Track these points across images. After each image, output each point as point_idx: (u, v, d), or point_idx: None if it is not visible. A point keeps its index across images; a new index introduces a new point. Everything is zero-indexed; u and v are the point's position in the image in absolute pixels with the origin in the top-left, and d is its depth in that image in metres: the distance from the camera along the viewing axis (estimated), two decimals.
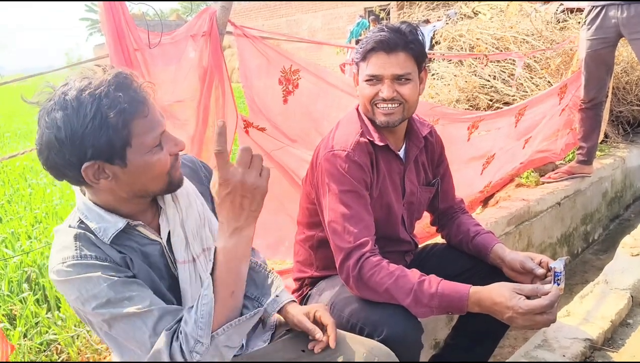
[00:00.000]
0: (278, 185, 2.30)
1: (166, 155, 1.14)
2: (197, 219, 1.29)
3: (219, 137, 0.99)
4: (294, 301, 1.43)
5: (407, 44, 1.60)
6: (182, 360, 1.05)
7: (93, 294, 1.07)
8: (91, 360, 2.14)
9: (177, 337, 1.07)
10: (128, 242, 1.18)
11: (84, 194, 1.19)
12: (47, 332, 2.37)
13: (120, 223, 1.16)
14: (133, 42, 1.63)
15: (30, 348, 2.24)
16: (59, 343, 2.28)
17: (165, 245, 1.23)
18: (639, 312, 2.14)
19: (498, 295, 1.42)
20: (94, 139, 1.04)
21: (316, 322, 1.37)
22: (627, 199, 4.60)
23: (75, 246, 1.11)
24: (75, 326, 2.38)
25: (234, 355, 1.32)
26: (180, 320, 1.09)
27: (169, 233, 1.24)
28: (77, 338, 2.29)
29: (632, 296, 2.15)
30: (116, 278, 1.09)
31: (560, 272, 1.49)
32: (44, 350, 2.25)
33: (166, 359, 1.05)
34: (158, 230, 1.23)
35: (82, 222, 1.16)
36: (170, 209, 1.25)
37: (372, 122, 1.70)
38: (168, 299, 1.20)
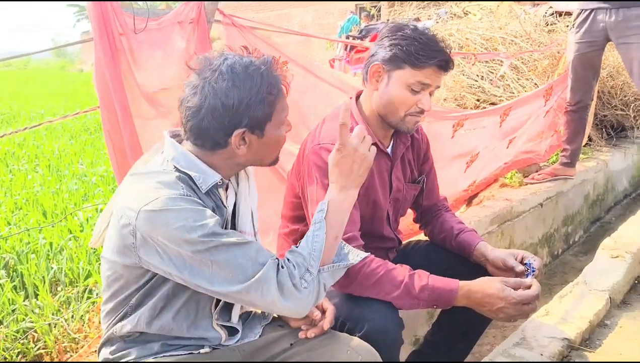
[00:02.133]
0: (262, 178, 2.28)
1: (285, 135, 1.32)
2: (256, 199, 1.45)
3: (345, 112, 1.27)
4: None
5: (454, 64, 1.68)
6: (289, 283, 1.18)
7: (202, 224, 1.15)
8: (70, 360, 2.10)
9: (283, 265, 1.21)
10: (211, 200, 1.28)
11: (180, 143, 1.28)
12: (23, 319, 2.34)
13: (217, 177, 1.27)
14: (118, 26, 1.60)
15: (7, 336, 2.21)
16: (35, 331, 2.25)
17: (230, 214, 1.34)
18: (616, 314, 2.16)
19: (490, 287, 1.49)
20: (253, 110, 1.21)
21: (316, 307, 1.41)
22: (609, 202, 4.66)
23: (182, 186, 1.20)
24: (52, 314, 2.36)
25: (231, 347, 1.36)
26: (277, 262, 1.21)
27: (233, 206, 1.36)
28: (55, 326, 2.26)
29: (610, 297, 2.18)
30: (217, 217, 1.19)
31: (530, 264, 1.66)
32: (20, 338, 2.22)
33: (273, 283, 1.17)
34: (226, 201, 1.35)
35: (177, 169, 1.24)
36: (242, 183, 1.39)
37: (364, 119, 1.70)
38: None
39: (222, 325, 1.36)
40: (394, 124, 1.67)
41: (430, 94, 1.66)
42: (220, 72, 1.19)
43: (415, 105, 1.63)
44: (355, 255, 1.34)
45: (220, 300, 1.34)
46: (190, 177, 1.24)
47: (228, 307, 1.37)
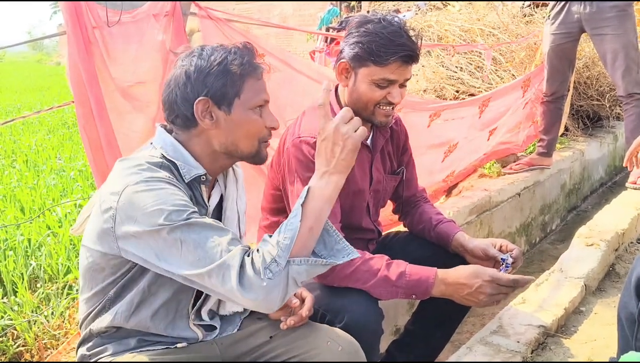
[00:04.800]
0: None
1: (263, 124, 1.29)
2: (245, 204, 1.45)
3: (325, 92, 1.23)
4: None
5: (419, 55, 1.63)
6: (251, 272, 1.09)
7: (181, 204, 1.15)
8: (50, 357, 2.08)
9: (249, 254, 1.13)
10: (189, 192, 1.27)
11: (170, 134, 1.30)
12: (2, 317, 2.31)
13: (201, 170, 1.28)
14: (92, 19, 1.58)
15: None
16: (14, 329, 2.23)
17: (210, 214, 1.33)
18: (591, 300, 2.21)
19: (465, 270, 1.53)
20: (214, 79, 1.23)
21: (295, 296, 1.42)
22: (585, 191, 4.74)
23: (166, 173, 1.22)
24: (32, 311, 2.33)
25: (209, 340, 1.36)
26: (246, 250, 1.15)
27: (216, 207, 1.36)
28: (34, 323, 2.24)
29: (585, 284, 2.22)
30: (195, 209, 1.18)
31: (505, 260, 1.69)
32: None
33: (235, 270, 1.10)
34: (209, 200, 1.35)
35: (164, 157, 1.26)
36: (231, 185, 1.40)
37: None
38: None
39: (200, 325, 1.35)
40: (366, 118, 1.68)
41: (402, 86, 1.64)
42: (193, 50, 1.27)
43: (384, 98, 1.62)
44: (346, 254, 1.21)
45: (197, 301, 1.33)
46: (175, 165, 1.25)
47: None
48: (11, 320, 2.27)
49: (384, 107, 1.64)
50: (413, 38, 1.60)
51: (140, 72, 1.84)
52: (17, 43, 2.20)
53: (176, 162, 1.26)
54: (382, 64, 1.57)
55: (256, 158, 1.33)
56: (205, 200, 1.32)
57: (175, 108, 1.26)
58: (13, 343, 2.17)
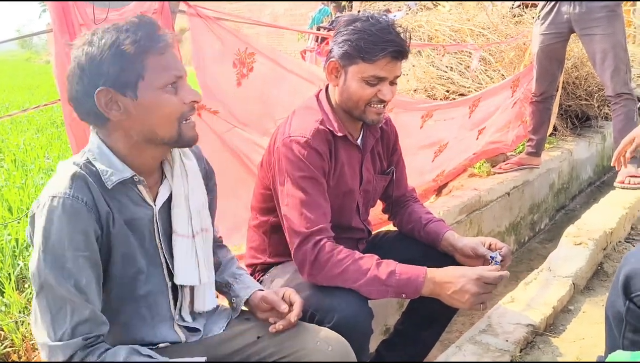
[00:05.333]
0: (231, 170, 2.27)
1: (179, 101, 1.18)
2: (201, 198, 1.34)
3: None
4: (261, 289, 1.47)
5: (408, 51, 1.63)
6: None
7: (57, 254, 1.08)
8: (37, 358, 2.07)
9: (86, 348, 1.09)
10: (123, 197, 1.19)
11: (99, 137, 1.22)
12: None
13: (128, 173, 1.18)
14: (78, 16, 1.57)
15: None
16: (1, 330, 2.21)
17: (157, 213, 1.25)
18: (580, 299, 2.22)
19: (453, 269, 1.55)
20: (108, 65, 1.11)
21: (284, 301, 1.40)
22: (573, 190, 4.77)
23: (71, 185, 1.12)
24: (19, 312, 2.31)
25: (194, 341, 1.34)
26: (99, 335, 1.11)
27: (166, 204, 1.27)
28: (22, 324, 2.22)
29: (573, 283, 2.23)
30: (81, 253, 1.10)
31: (494, 258, 1.70)
32: None
33: (61, 358, 1.07)
34: (156, 198, 1.26)
35: (89, 162, 1.18)
36: (177, 180, 1.29)
37: (334, 111, 1.70)
38: (138, 265, 1.21)
39: (184, 326, 1.33)
40: (357, 117, 1.68)
41: (392, 83, 1.64)
42: (84, 39, 1.15)
43: (375, 96, 1.62)
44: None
45: (176, 300, 1.31)
46: (95, 171, 1.17)
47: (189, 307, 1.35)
48: None
49: (375, 105, 1.64)
50: (401, 35, 1.60)
51: None
52: (3, 40, 2.18)
53: (98, 167, 1.16)
54: (371, 61, 1.57)
55: (180, 142, 1.22)
56: (148, 200, 1.24)
57: (80, 105, 1.16)
58: (0, 344, 2.15)
